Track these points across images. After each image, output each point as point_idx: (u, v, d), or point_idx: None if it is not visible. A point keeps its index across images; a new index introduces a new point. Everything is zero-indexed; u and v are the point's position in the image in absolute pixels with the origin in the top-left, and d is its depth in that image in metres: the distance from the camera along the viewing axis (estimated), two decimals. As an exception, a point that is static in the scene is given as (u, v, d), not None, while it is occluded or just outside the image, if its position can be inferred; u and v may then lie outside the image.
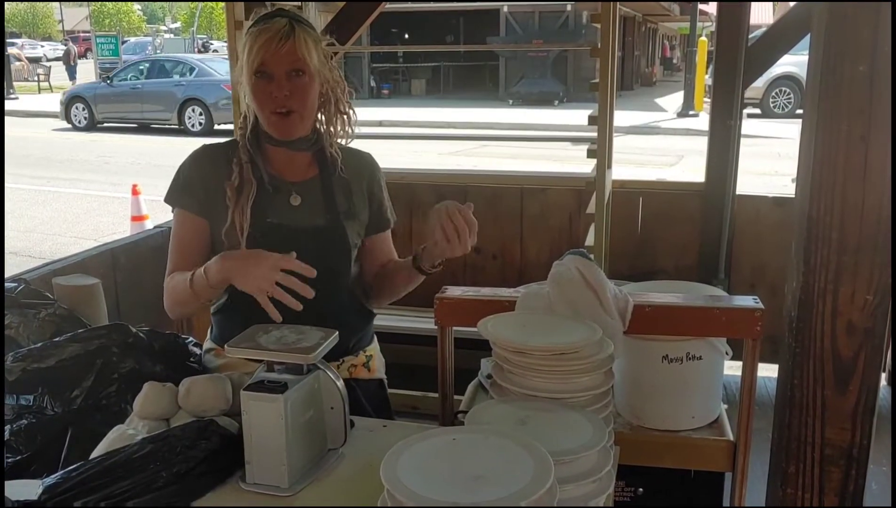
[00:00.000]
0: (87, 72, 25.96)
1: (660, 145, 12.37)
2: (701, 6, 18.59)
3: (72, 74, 26.79)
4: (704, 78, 14.73)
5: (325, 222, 1.70)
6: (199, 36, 34.69)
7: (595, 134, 3.00)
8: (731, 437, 1.83)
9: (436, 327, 1.78)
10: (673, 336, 1.81)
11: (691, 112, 15.46)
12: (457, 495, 0.99)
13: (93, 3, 42.32)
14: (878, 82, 1.39)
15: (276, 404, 1.24)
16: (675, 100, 18.07)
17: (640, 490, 1.88)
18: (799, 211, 1.55)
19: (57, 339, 1.57)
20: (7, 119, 16.05)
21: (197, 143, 1.82)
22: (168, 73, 15.99)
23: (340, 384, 1.36)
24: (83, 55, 33.44)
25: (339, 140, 1.77)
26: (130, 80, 16.03)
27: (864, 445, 1.55)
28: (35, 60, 30.32)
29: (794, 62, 12.83)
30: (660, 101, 19.21)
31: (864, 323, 1.48)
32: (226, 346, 1.37)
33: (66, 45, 31.96)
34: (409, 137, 13.06)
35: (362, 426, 1.48)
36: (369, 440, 1.44)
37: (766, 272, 3.50)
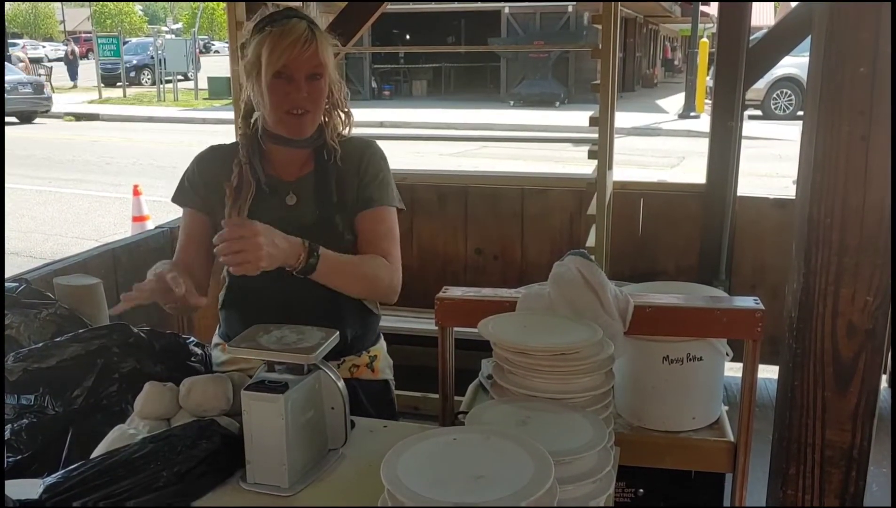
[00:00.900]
0: (88, 72, 26.00)
1: (661, 147, 12.37)
2: (702, 7, 18.61)
3: (73, 74, 26.83)
4: (705, 79, 14.73)
5: (318, 218, 1.71)
6: (200, 37, 34.70)
7: (596, 135, 3.00)
8: (732, 438, 1.83)
9: (436, 327, 1.78)
10: (673, 337, 1.80)
11: (692, 114, 15.46)
12: (457, 495, 0.99)
13: (94, 3, 42.39)
14: (878, 84, 1.39)
15: (276, 404, 1.24)
16: (676, 101, 18.09)
17: (641, 490, 1.87)
18: (799, 212, 1.55)
19: (58, 339, 1.57)
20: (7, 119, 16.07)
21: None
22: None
23: (341, 384, 1.36)
24: (84, 56, 33.49)
25: (338, 132, 1.78)
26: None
27: (864, 446, 1.55)
28: (37, 61, 30.34)
29: (795, 64, 12.82)
30: (661, 102, 19.21)
31: (865, 324, 1.48)
32: (227, 346, 1.37)
33: (67, 45, 32.01)
34: (410, 138, 13.05)
35: (363, 426, 1.48)
36: (370, 440, 1.44)
37: (767, 274, 3.50)
